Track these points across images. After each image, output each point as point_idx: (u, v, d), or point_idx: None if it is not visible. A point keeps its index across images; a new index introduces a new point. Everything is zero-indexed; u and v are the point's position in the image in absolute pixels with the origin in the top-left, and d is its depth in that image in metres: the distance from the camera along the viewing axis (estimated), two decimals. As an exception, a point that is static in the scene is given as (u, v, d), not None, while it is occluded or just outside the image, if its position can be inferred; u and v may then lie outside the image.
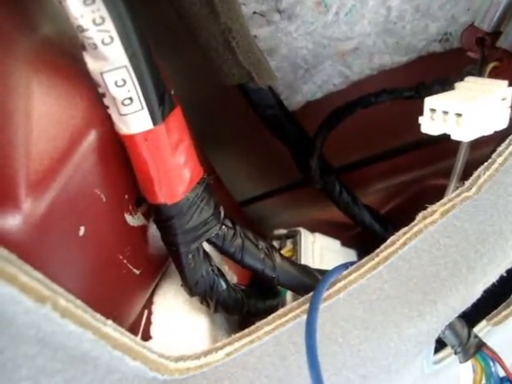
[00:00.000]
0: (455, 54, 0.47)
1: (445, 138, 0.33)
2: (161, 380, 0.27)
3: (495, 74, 0.36)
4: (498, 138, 0.33)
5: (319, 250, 0.48)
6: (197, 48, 0.38)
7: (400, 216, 0.31)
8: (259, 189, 0.65)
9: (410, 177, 0.58)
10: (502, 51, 0.37)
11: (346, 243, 0.54)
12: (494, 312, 0.37)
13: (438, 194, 0.33)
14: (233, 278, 0.43)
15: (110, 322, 0.24)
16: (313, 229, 0.50)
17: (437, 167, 0.55)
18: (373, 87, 0.46)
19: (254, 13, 0.43)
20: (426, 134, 0.33)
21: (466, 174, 0.32)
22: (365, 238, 0.53)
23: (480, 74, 0.36)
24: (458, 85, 0.35)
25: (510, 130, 0.32)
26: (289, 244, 0.48)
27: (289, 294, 0.43)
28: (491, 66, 0.36)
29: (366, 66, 0.50)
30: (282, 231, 0.49)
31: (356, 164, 0.59)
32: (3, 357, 0.20)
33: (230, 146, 0.59)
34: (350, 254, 0.53)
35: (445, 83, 0.40)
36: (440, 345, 0.35)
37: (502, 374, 0.33)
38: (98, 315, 0.24)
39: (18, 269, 0.19)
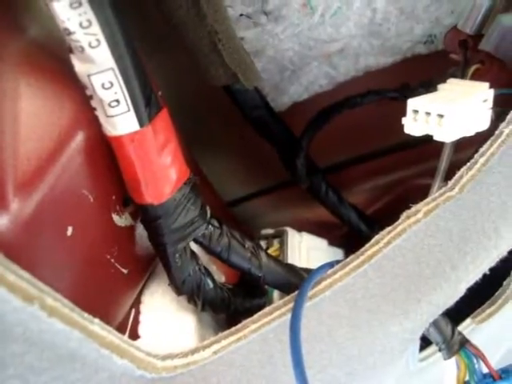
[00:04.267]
0: (440, 56, 0.47)
1: (430, 138, 0.33)
2: (148, 378, 0.27)
3: (477, 76, 0.37)
4: (481, 140, 0.33)
5: (306, 250, 0.48)
6: (184, 50, 0.38)
7: (386, 216, 0.32)
8: (246, 189, 0.65)
9: (395, 177, 0.58)
10: (483, 54, 0.37)
11: (332, 243, 0.54)
12: (479, 310, 0.37)
13: (423, 194, 0.33)
14: (220, 278, 0.44)
15: (97, 320, 0.24)
16: (300, 229, 0.51)
17: (422, 167, 0.56)
18: (358, 89, 0.46)
19: (241, 15, 0.43)
20: (410, 136, 0.34)
21: (450, 175, 0.33)
22: (352, 238, 0.53)
23: (462, 76, 0.37)
24: (440, 86, 0.35)
25: (492, 131, 0.33)
26: (276, 243, 0.48)
27: (275, 293, 0.43)
28: (473, 68, 0.37)
29: (352, 67, 0.50)
30: (269, 231, 0.50)
31: (342, 164, 0.59)
32: None
33: (216, 147, 0.59)
34: (337, 254, 0.53)
35: (429, 85, 0.41)
36: (425, 342, 0.35)
37: (485, 370, 0.33)
38: (86, 314, 0.24)
39: (4, 268, 0.20)
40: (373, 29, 0.47)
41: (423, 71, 0.43)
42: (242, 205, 0.65)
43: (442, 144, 0.37)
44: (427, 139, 0.47)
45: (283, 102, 0.53)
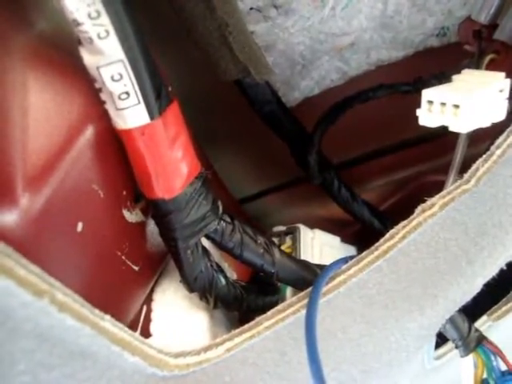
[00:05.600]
0: (452, 49, 0.47)
1: (443, 133, 0.33)
2: (160, 376, 0.27)
3: (492, 67, 0.36)
4: (495, 133, 0.33)
5: (319, 247, 0.48)
6: (194, 44, 0.38)
7: (399, 212, 0.31)
8: (258, 186, 0.65)
9: (409, 173, 0.58)
10: (499, 43, 0.37)
11: (345, 240, 0.54)
12: (495, 307, 0.37)
13: (437, 190, 0.32)
14: (232, 276, 0.43)
15: (108, 316, 0.24)
16: (312, 226, 0.50)
17: (436, 163, 0.55)
18: (370, 83, 0.45)
19: (251, 8, 0.43)
20: (424, 130, 0.33)
21: (465, 170, 0.32)
22: (364, 235, 0.53)
23: (477, 66, 0.36)
24: (455, 77, 0.35)
25: (508, 122, 0.32)
26: (288, 240, 0.47)
27: (288, 291, 0.43)
28: (488, 58, 0.36)
29: (364, 61, 0.50)
30: (281, 228, 0.49)
31: (355, 160, 0.59)
32: (0, 351, 0.20)
33: (227, 144, 0.59)
34: (349, 251, 0.53)
35: (442, 77, 0.40)
36: (441, 340, 0.35)
37: (503, 368, 0.33)
38: (96, 310, 0.24)
39: (14, 262, 0.19)
40: (384, 21, 0.46)
41: (435, 64, 0.42)
42: (253, 202, 0.65)
43: (455, 139, 0.37)
44: (440, 134, 0.46)
45: (294, 97, 0.53)
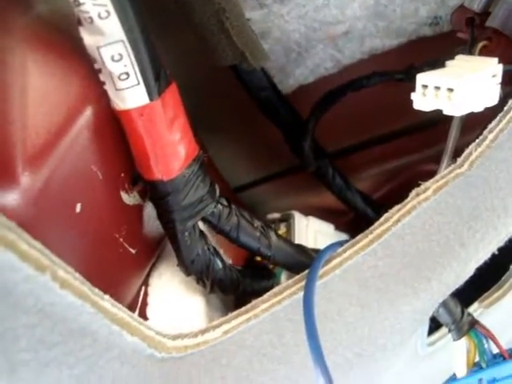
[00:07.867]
0: (445, 38, 0.47)
1: (437, 123, 0.33)
2: (158, 357, 0.27)
3: (485, 53, 0.37)
4: (488, 119, 0.33)
5: (313, 233, 0.48)
6: (190, 30, 0.38)
7: (393, 201, 0.32)
8: (252, 175, 0.65)
9: (402, 162, 0.58)
10: (491, 30, 0.37)
11: (339, 229, 0.54)
12: (486, 294, 0.37)
13: (430, 179, 0.33)
14: (228, 262, 0.43)
15: (107, 296, 0.24)
16: (306, 215, 0.50)
17: (429, 152, 0.55)
18: (364, 72, 0.46)
19: (247, -4, 0.43)
20: (418, 119, 0.34)
21: (458, 157, 0.32)
22: (358, 224, 0.53)
23: (470, 53, 0.37)
24: (448, 62, 0.35)
25: (500, 107, 0.33)
26: (282, 227, 0.48)
27: (283, 276, 0.43)
28: (481, 45, 0.37)
29: (358, 49, 0.50)
30: (276, 215, 0.49)
31: (349, 149, 0.59)
32: (2, 326, 0.20)
33: (222, 132, 0.59)
34: (343, 239, 0.53)
35: (435, 65, 0.41)
36: (435, 325, 0.35)
37: (495, 351, 0.33)
38: (96, 289, 0.24)
39: (17, 236, 0.19)
40: (378, 10, 0.46)
41: (428, 53, 0.42)
42: (247, 191, 0.65)
43: (448, 128, 0.37)
44: (433, 123, 0.46)
45: (289, 85, 0.52)
